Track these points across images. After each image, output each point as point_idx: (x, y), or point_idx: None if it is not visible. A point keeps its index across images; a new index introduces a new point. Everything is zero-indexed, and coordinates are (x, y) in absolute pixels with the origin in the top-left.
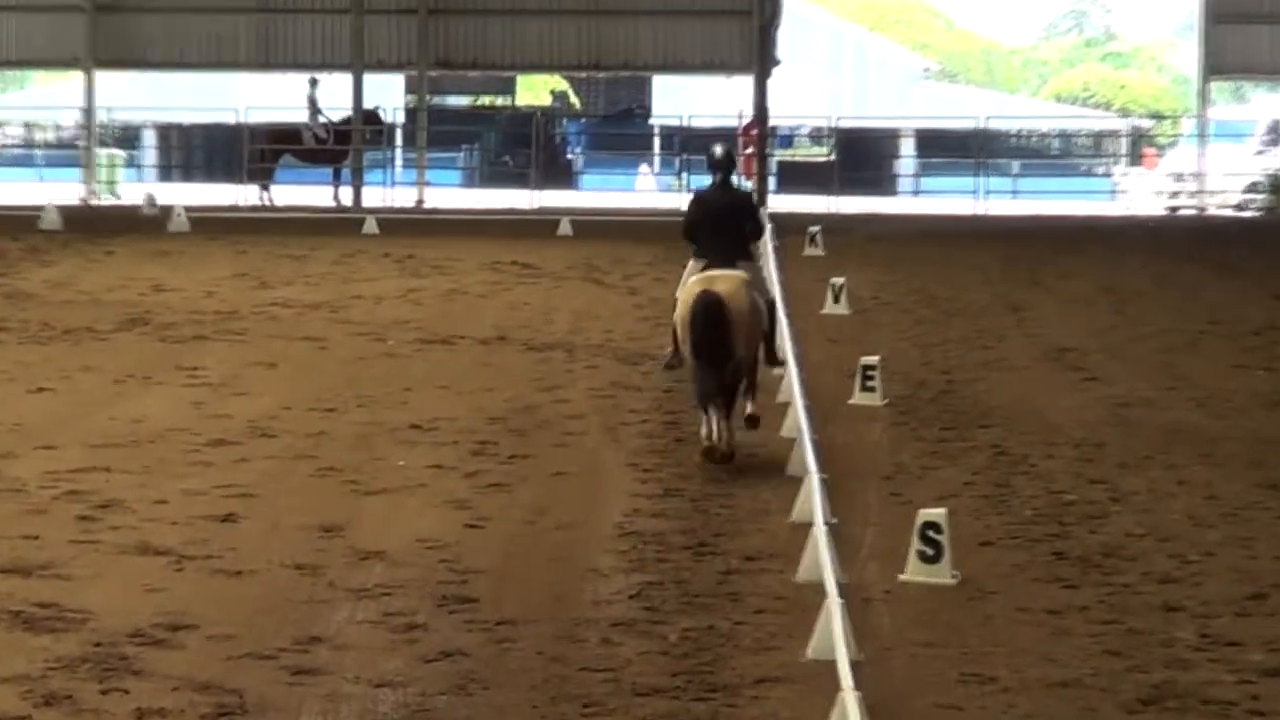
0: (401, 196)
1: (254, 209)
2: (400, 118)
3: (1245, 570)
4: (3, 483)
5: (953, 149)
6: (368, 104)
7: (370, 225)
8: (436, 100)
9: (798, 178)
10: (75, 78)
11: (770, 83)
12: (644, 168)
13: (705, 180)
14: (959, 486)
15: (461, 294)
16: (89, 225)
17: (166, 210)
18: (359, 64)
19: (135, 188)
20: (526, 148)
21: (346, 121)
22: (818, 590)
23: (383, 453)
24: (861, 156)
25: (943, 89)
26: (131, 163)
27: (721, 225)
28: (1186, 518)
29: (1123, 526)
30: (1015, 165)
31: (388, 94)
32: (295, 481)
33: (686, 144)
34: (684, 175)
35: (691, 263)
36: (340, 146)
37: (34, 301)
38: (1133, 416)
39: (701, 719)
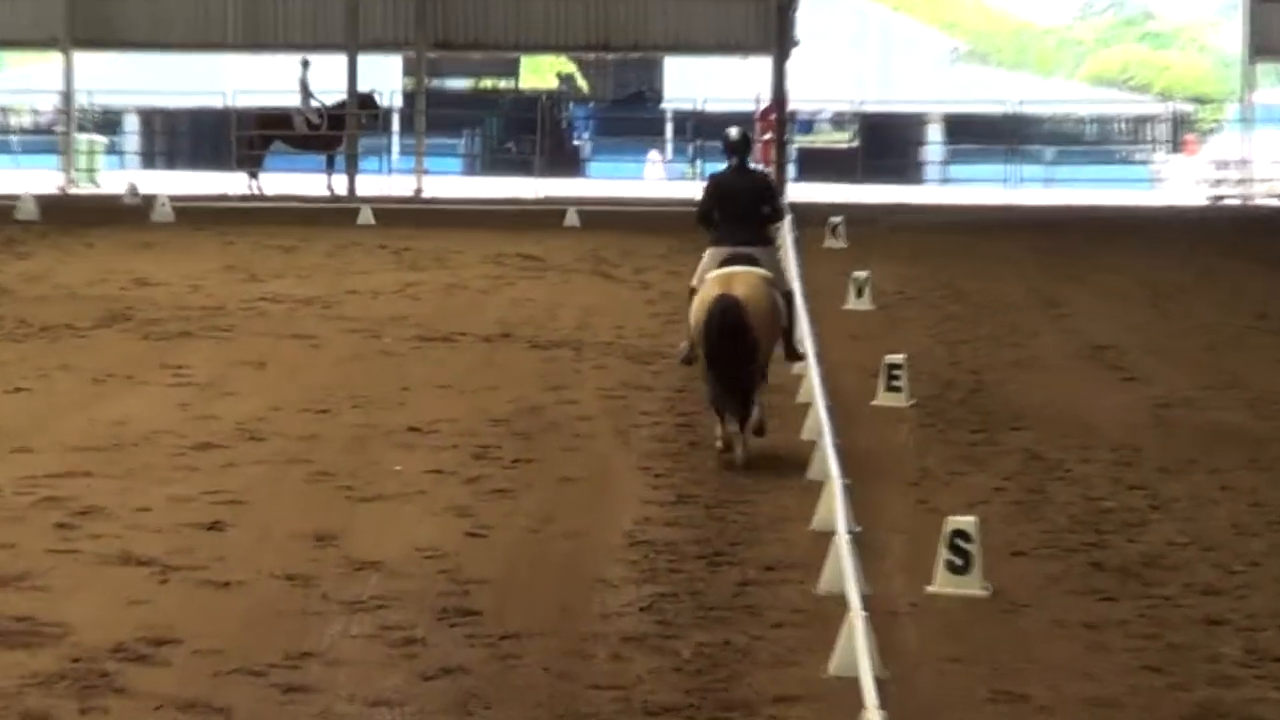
0: (399, 185)
1: (242, 198)
2: (397, 101)
3: None
4: None
5: (983, 135)
6: (363, 87)
7: (365, 215)
8: (435, 83)
9: (819, 165)
10: (53, 59)
11: (789, 65)
12: (653, 154)
13: (720, 166)
14: (989, 493)
15: (462, 288)
16: (67, 215)
17: (149, 200)
18: (353, 44)
19: (116, 176)
20: (531, 133)
21: (340, 106)
22: (840, 603)
23: (379, 457)
24: (886, 143)
25: (972, 71)
26: (112, 149)
27: (739, 209)
28: (1231, 526)
29: (1163, 535)
30: (1049, 152)
31: (384, 76)
32: (286, 487)
33: (700, 130)
34: (697, 163)
35: (709, 250)
36: (334, 132)
37: (9, 297)
38: (1174, 418)
39: None
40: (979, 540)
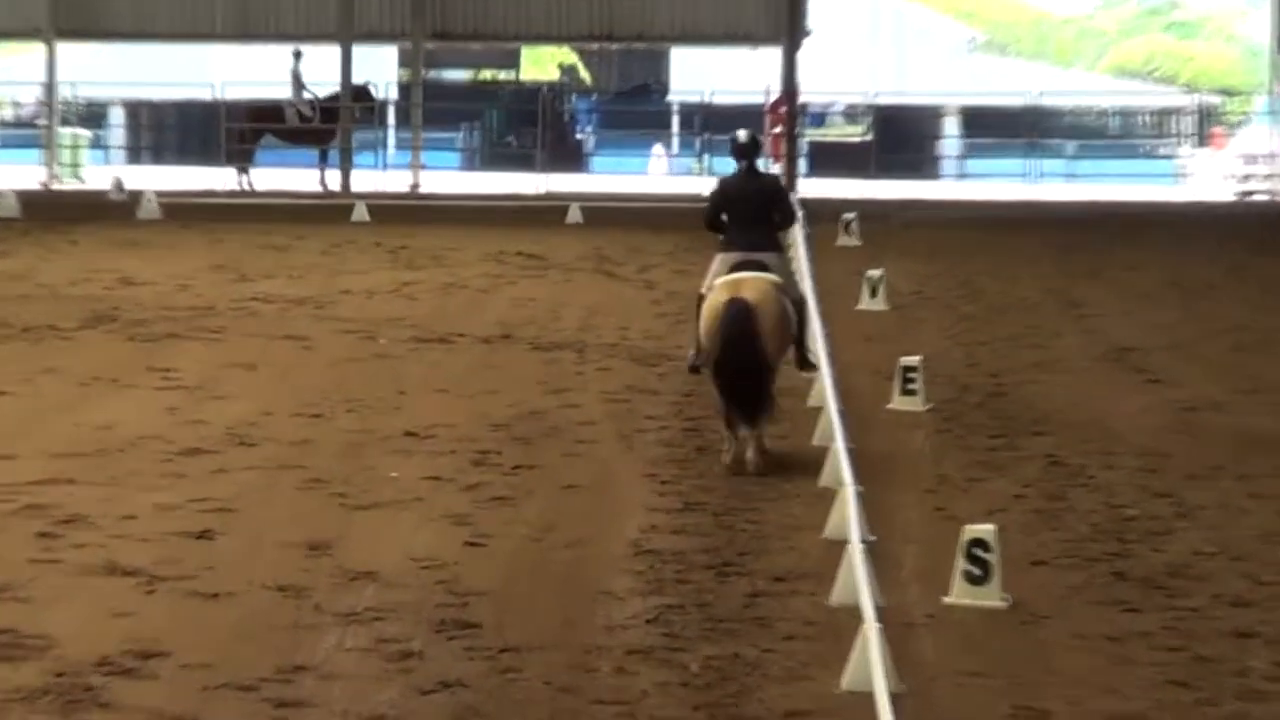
0: (394, 180)
1: (232, 194)
2: (393, 94)
3: None
4: None
5: (1002, 128)
6: (357, 78)
7: (360, 212)
8: (433, 75)
9: (831, 160)
10: (35, 50)
11: (800, 55)
12: (657, 148)
13: (728, 162)
14: (1009, 500)
15: (461, 288)
16: (50, 212)
17: (136, 195)
18: (347, 35)
19: (101, 171)
20: (532, 127)
21: (334, 98)
22: (853, 614)
23: (374, 463)
24: (901, 136)
25: (991, 62)
26: (97, 143)
27: (748, 214)
28: (1260, 534)
29: (1190, 544)
30: (1070, 146)
31: (379, 68)
32: (278, 494)
33: (707, 123)
34: (705, 157)
35: (718, 256)
36: (327, 125)
37: None
38: (1201, 423)
39: None
40: (998, 549)
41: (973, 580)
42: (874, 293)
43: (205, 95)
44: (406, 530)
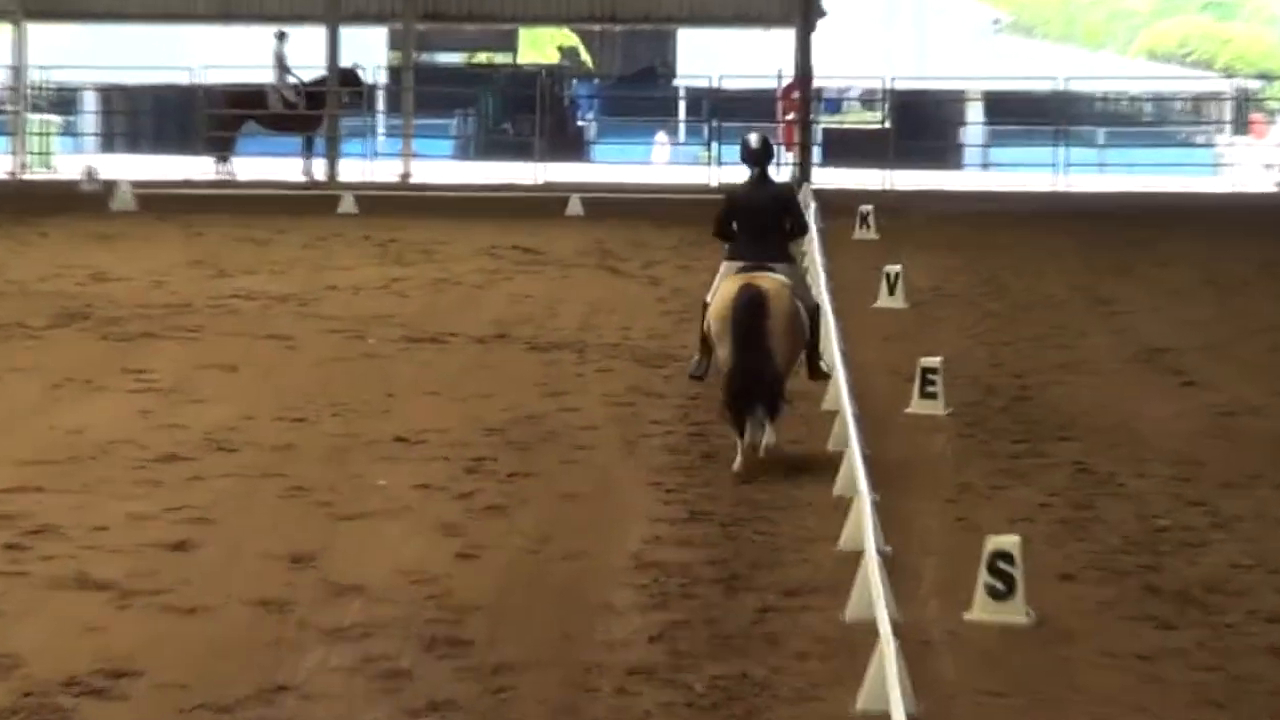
0: (384, 170)
1: (211, 185)
2: (382, 78)
3: None
4: None
5: (1027, 115)
6: (345, 62)
7: (347, 203)
8: (425, 58)
9: (847, 148)
10: (3, 31)
11: (814, 38)
12: (660, 136)
13: (737, 150)
14: (1034, 509)
15: (453, 284)
16: (19, 203)
17: (109, 185)
18: (334, 15)
19: (73, 159)
20: (530, 113)
21: (320, 82)
22: (869, 631)
23: (361, 470)
24: (921, 123)
25: (1016, 45)
26: (69, 130)
27: (759, 223)
28: None
29: (1226, 556)
30: (1100, 134)
31: (368, 50)
32: (258, 503)
33: (716, 109)
34: (713, 145)
35: (724, 264)
36: (312, 112)
37: None
38: (1238, 427)
39: None
40: (1022, 562)
41: (995, 595)
42: (892, 289)
43: (183, 79)
44: (395, 541)
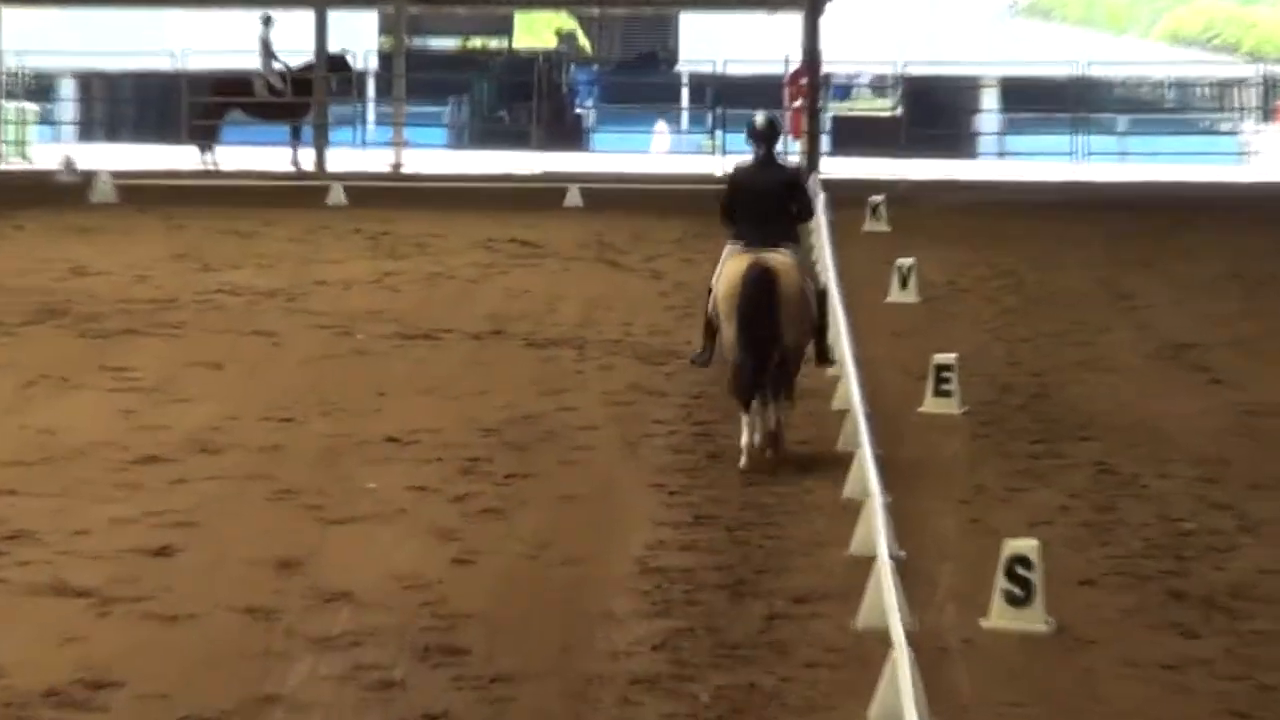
0: (374, 160)
1: (195, 175)
2: (373, 64)
3: None
4: None
5: (1045, 101)
6: (333, 47)
7: (336, 194)
8: (417, 43)
9: (857, 136)
10: None
11: (823, 21)
12: (660, 125)
13: (742, 138)
14: (1053, 512)
15: (447, 279)
16: None
17: (88, 177)
18: None
19: (50, 149)
20: (527, 100)
21: (308, 68)
22: (881, 639)
23: (351, 472)
24: (934, 110)
25: (1033, 28)
26: (46, 119)
27: (764, 206)
28: None
29: (1254, 561)
30: (1121, 121)
31: (358, 35)
32: (244, 507)
33: (720, 96)
34: (717, 133)
35: (728, 246)
36: (300, 99)
37: None
38: (1265, 427)
39: None
40: (1041, 567)
41: (1013, 601)
42: (904, 283)
43: (165, 65)
44: (387, 546)
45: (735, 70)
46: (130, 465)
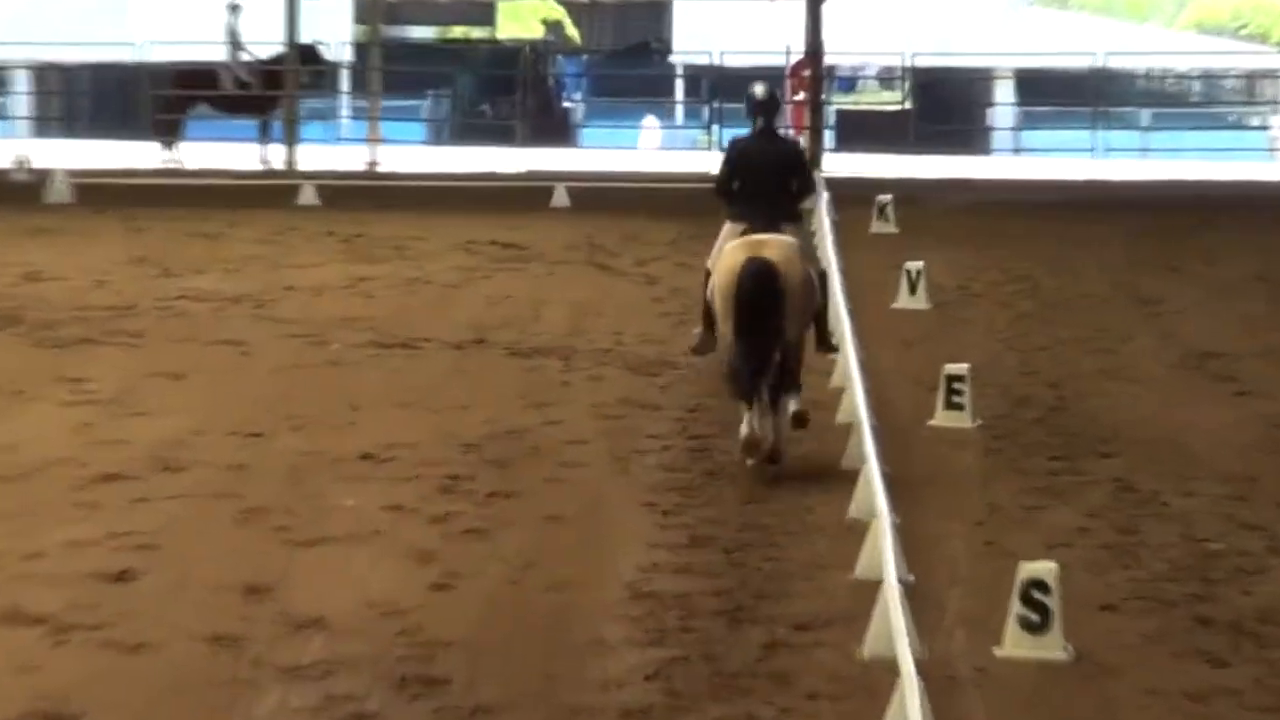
0: (348, 157)
1: (157, 173)
2: (347, 55)
3: None
4: None
5: (1063, 94)
6: (305, 37)
7: (308, 194)
8: (394, 32)
9: (863, 132)
10: None
11: (827, 9)
12: (649, 120)
13: (742, 132)
14: (1072, 533)
15: (426, 284)
16: None
17: (43, 175)
18: None
19: (2, 146)
20: (511, 94)
21: (277, 60)
22: (889, 668)
23: (324, 491)
24: (945, 104)
25: (1050, 17)
26: None
27: (764, 181)
28: None
29: None
30: (1144, 115)
31: (331, 24)
32: (210, 528)
33: (717, 89)
34: (714, 129)
35: (727, 226)
36: (269, 92)
37: None
38: None
39: None
40: (1059, 591)
41: (1029, 628)
42: (913, 288)
43: (125, 57)
44: (361, 570)
45: (733, 61)
46: (88, 483)
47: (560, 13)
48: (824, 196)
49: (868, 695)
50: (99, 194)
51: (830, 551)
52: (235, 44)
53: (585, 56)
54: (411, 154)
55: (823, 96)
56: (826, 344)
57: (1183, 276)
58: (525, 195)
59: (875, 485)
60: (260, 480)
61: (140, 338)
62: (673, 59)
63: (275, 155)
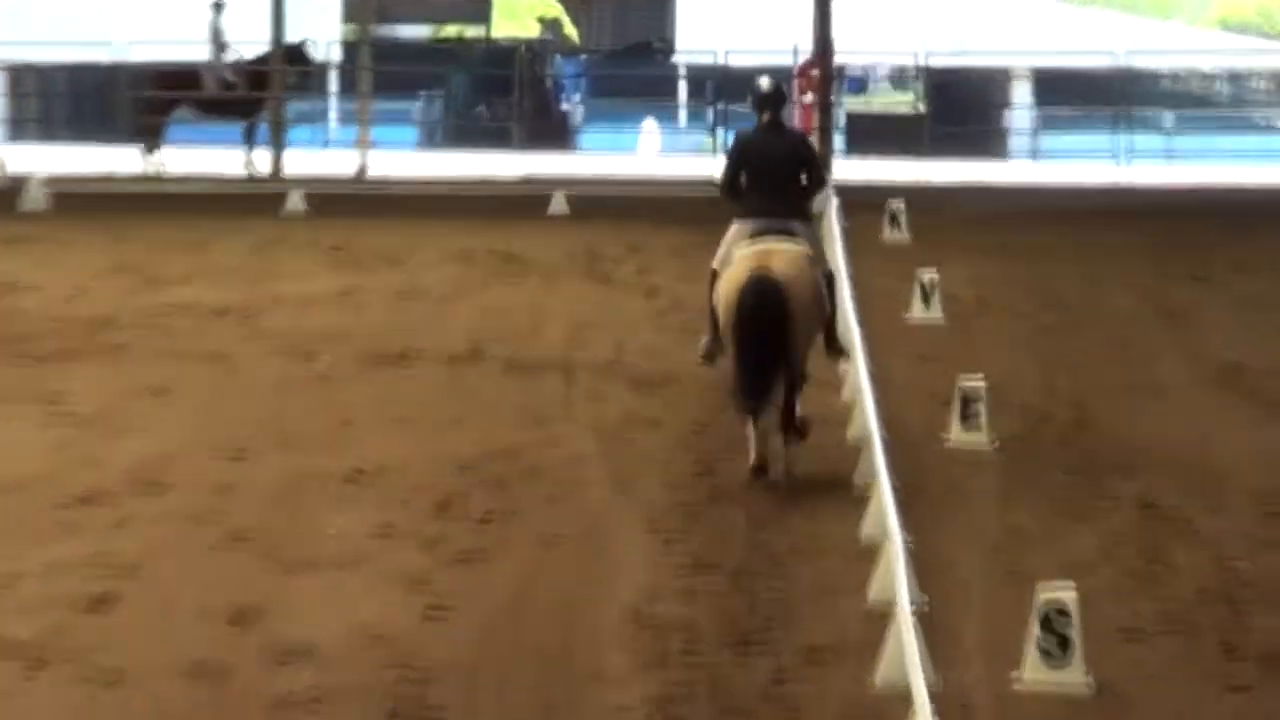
0: (338, 162)
1: (137, 179)
2: (336, 55)
3: None
4: None
5: (1084, 95)
6: (292, 36)
7: (295, 201)
8: (385, 31)
9: (874, 135)
10: None
11: (836, 6)
12: (648, 123)
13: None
14: (1094, 556)
15: (419, 295)
16: None
17: (19, 182)
18: None
19: None
20: (507, 95)
21: (263, 60)
22: (902, 698)
23: (312, 512)
24: (960, 106)
25: (1069, 14)
26: None
27: (773, 176)
28: None
29: None
30: (1169, 118)
31: (319, 23)
32: (193, 552)
33: (722, 90)
34: (718, 131)
35: (735, 225)
36: (254, 94)
37: None
38: None
39: None
40: (1080, 618)
41: (1049, 656)
42: (927, 300)
43: (104, 57)
44: (351, 595)
45: (738, 61)
46: (65, 505)
47: (558, 10)
48: (833, 202)
49: None
50: (77, 201)
51: (841, 575)
52: (219, 43)
53: (584, 56)
54: (403, 159)
55: (832, 98)
56: (835, 347)
57: (1211, 287)
58: (522, 202)
59: (888, 506)
60: (246, 501)
61: (121, 351)
62: (676, 59)
63: (261, 160)
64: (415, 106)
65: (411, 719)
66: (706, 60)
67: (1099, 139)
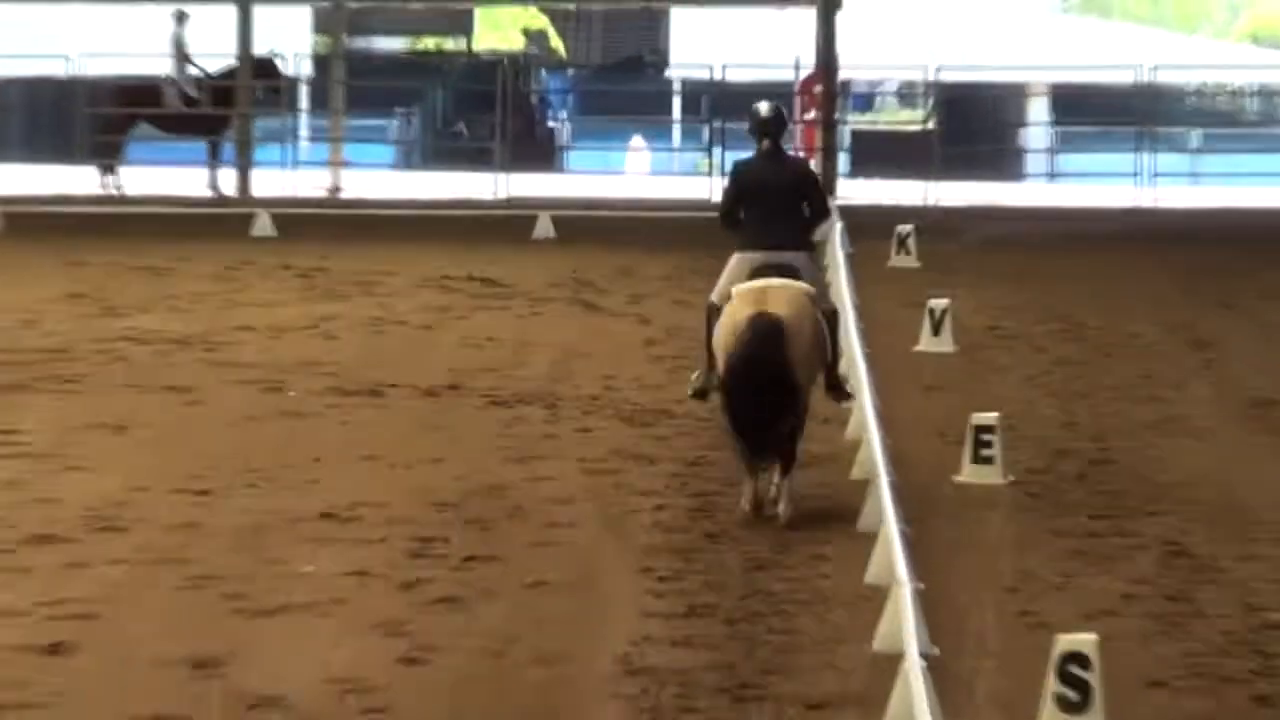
0: (309, 182)
1: (95, 200)
2: (306, 68)
3: None
4: None
5: (1104, 113)
6: (260, 48)
7: (263, 224)
8: (359, 43)
9: (881, 155)
10: None
11: (841, 18)
12: (636, 140)
13: (746, 155)
14: (1116, 602)
15: (395, 324)
16: None
17: None
18: None
19: None
20: (489, 112)
21: (229, 74)
22: None
23: (280, 554)
24: (973, 124)
25: (1089, 27)
26: None
27: (773, 207)
28: None
29: None
30: (1194, 136)
31: (288, 35)
32: (153, 596)
33: (718, 107)
34: (715, 151)
35: (736, 257)
36: (219, 110)
37: None
38: None
39: None
40: (1101, 667)
41: (1068, 707)
42: (937, 329)
43: (59, 71)
44: (323, 643)
45: (736, 76)
46: (18, 546)
47: (544, 22)
48: (838, 226)
49: None
50: (30, 223)
51: (845, 622)
52: (181, 56)
53: (572, 71)
54: (378, 179)
55: (836, 115)
56: (838, 389)
57: (1240, 316)
58: (505, 225)
59: (895, 548)
60: (210, 542)
61: (77, 384)
62: (669, 74)
63: (226, 181)
64: (391, 124)
65: None
66: (702, 75)
67: (1120, 159)
